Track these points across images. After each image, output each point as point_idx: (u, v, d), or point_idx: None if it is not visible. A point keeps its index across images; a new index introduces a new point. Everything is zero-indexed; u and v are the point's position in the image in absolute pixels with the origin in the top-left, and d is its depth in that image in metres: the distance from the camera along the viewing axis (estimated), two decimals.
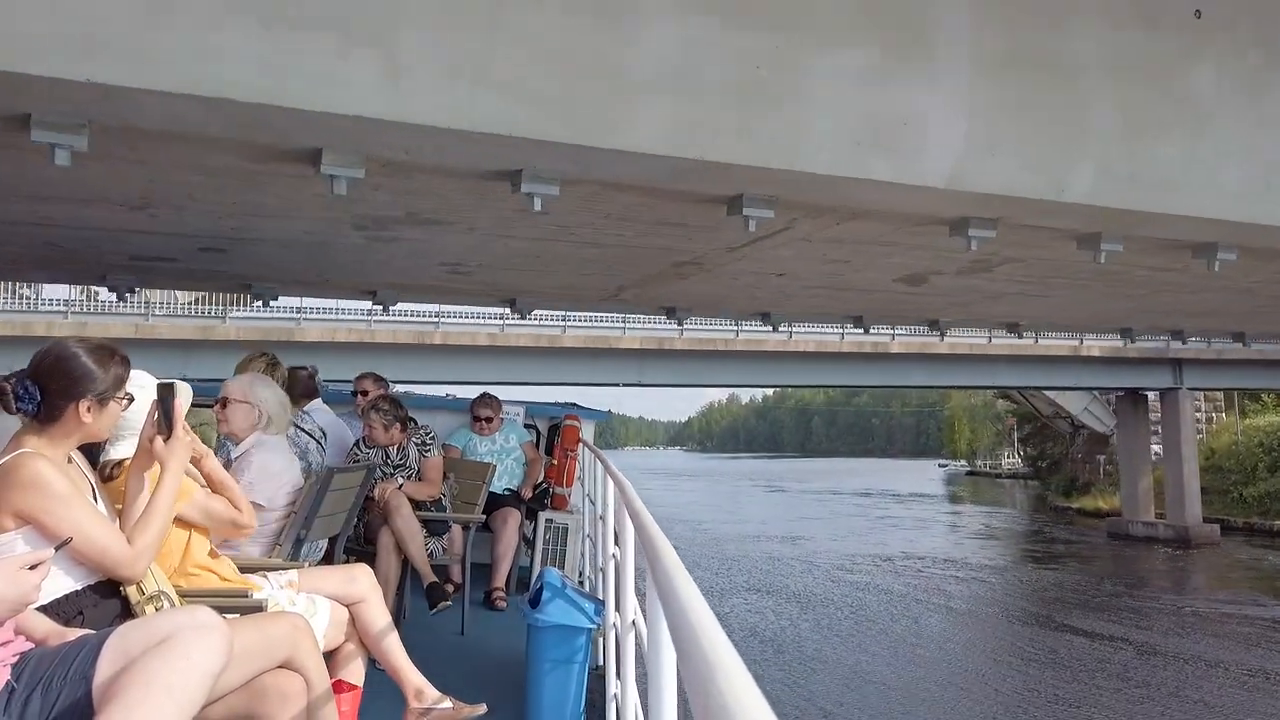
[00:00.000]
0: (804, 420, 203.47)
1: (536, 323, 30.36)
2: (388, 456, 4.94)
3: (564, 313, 30.36)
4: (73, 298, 26.54)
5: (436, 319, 28.07)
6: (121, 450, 2.61)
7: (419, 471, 4.99)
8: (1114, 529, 34.37)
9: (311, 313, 28.61)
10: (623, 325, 30.19)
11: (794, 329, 30.75)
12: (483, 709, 2.97)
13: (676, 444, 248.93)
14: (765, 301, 9.33)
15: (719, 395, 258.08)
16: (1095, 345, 32.17)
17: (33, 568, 1.77)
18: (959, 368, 31.89)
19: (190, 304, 29.94)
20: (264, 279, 8.34)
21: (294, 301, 32.71)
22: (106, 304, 28.27)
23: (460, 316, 29.12)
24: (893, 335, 31.12)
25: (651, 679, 1.38)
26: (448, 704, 2.89)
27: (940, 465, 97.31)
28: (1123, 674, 14.47)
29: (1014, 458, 80.00)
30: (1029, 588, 23.68)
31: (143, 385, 2.54)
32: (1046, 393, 39.36)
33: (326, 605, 2.79)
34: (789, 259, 6.46)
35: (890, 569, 25.71)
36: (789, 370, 31.65)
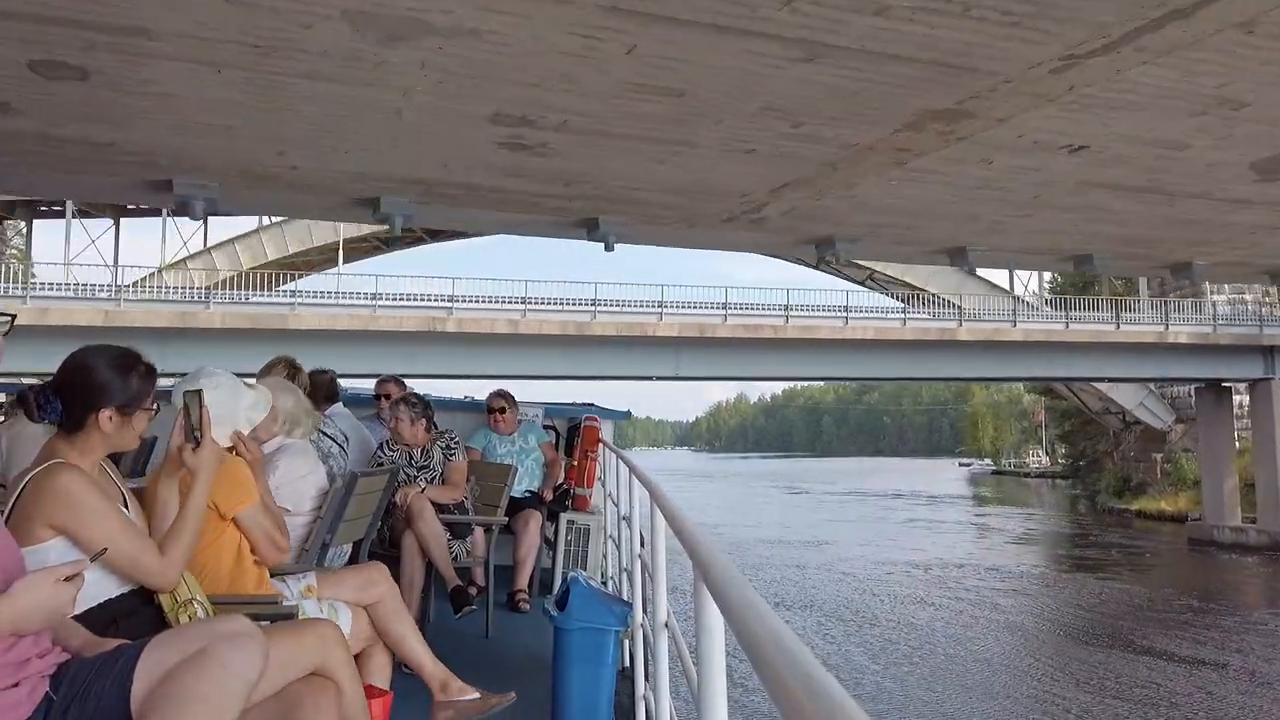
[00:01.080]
0: (814, 419, 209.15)
1: (560, 308, 29.50)
2: (412, 458, 5.28)
3: (594, 296, 29.72)
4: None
5: (450, 303, 27.83)
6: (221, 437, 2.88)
7: (443, 475, 5.32)
8: (1196, 534, 33.66)
9: (307, 296, 28.37)
10: (659, 310, 29.61)
11: (850, 314, 30.33)
12: (512, 697, 3.19)
13: (684, 444, 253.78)
14: (979, 225, 6.96)
15: (727, 395, 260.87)
16: (1183, 330, 31.27)
17: (69, 579, 1.85)
18: (1032, 356, 30.96)
19: (169, 288, 29.48)
20: (180, 162, 5.87)
21: (287, 285, 32.24)
22: (77, 287, 27.29)
23: (476, 300, 28.83)
24: (959, 321, 30.61)
25: (704, 684, 1.48)
26: (474, 694, 3.10)
27: (961, 464, 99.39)
28: (1220, 708, 13.62)
29: (1041, 456, 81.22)
30: (1091, 601, 22.91)
31: (220, 382, 2.90)
32: (1098, 385, 38.68)
33: (347, 611, 3.02)
34: (1137, 100, 4.36)
35: (932, 579, 25.22)
36: (844, 359, 30.80)
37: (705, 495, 54.27)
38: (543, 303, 30.07)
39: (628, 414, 7.73)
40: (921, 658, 16.94)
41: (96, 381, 2.27)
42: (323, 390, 4.95)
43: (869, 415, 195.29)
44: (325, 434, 4.50)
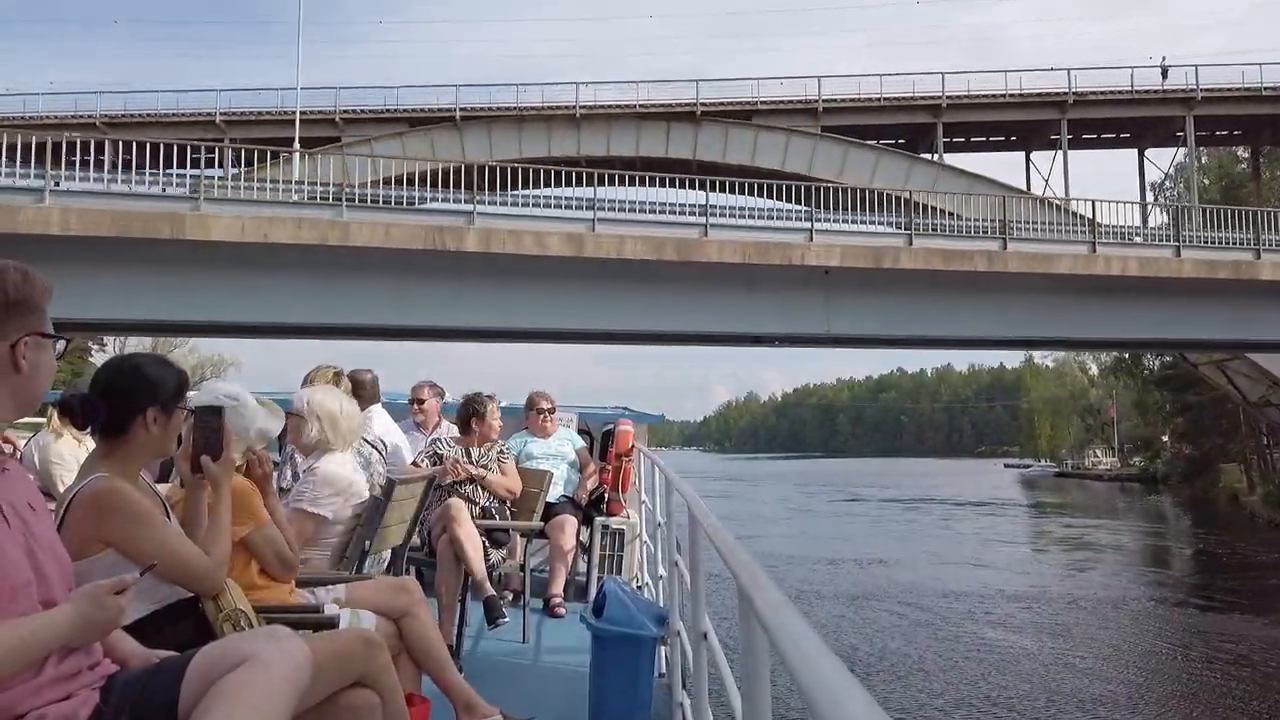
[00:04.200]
0: (828, 418, 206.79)
1: (646, 215, 21.77)
2: (470, 456, 5.34)
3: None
4: None
5: (471, 206, 20.01)
6: None
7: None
8: None
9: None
10: (806, 225, 20.72)
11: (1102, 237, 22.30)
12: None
13: (692, 444, 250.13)
14: None
15: (736, 393, 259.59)
16: None
17: (119, 593, 1.87)
18: None
19: None
20: None
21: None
22: None
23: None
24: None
25: (749, 707, 1.43)
26: (498, 717, 3.09)
27: (1008, 465, 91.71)
28: None
29: (1102, 457, 75.64)
30: None
31: (235, 398, 2.95)
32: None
33: (372, 619, 3.01)
34: None
35: (1053, 619, 18.19)
36: (1099, 308, 21.64)
37: (728, 500, 46.81)
38: (613, 207, 21.20)
39: (661, 418, 7.67)
40: None
41: (142, 379, 2.30)
42: (365, 391, 4.90)
43: (885, 414, 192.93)
44: (365, 439, 4.45)
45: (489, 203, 20.75)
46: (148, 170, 20.88)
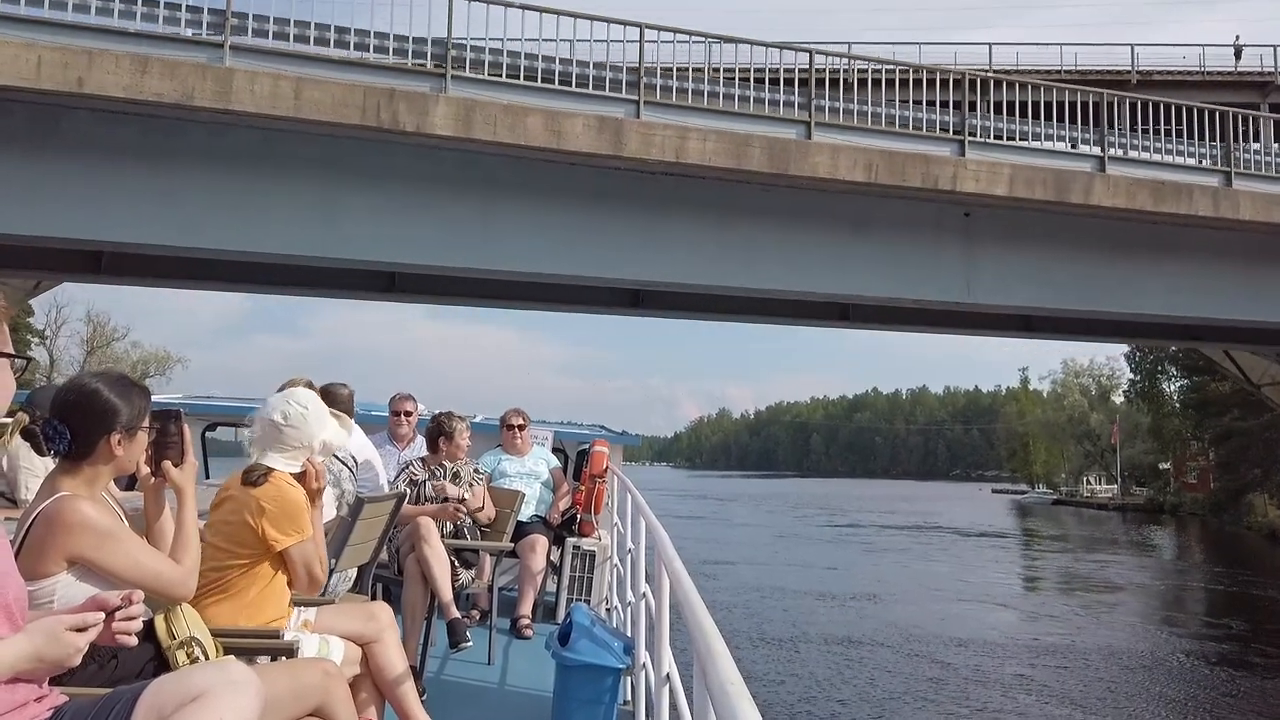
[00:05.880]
0: (801, 437, 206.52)
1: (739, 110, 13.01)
2: (442, 475, 5.29)
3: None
4: None
5: (443, 68, 11.95)
6: (277, 462, 2.99)
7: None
8: None
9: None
10: (957, 135, 13.76)
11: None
12: None
13: (663, 459, 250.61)
14: None
15: (706, 409, 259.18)
16: None
17: (81, 630, 1.81)
18: None
19: None
20: None
21: None
22: None
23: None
24: None
25: None
26: None
27: (996, 491, 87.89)
28: None
29: (1096, 483, 71.42)
30: None
31: (305, 405, 3.03)
32: None
33: (340, 645, 2.98)
34: None
35: (1107, 681, 14.58)
36: None
37: (703, 523, 43.50)
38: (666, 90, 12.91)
39: (638, 439, 7.64)
40: None
41: (105, 405, 2.27)
42: (342, 407, 4.82)
43: (860, 434, 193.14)
44: (336, 456, 4.37)
45: (470, 64, 12.11)
46: None
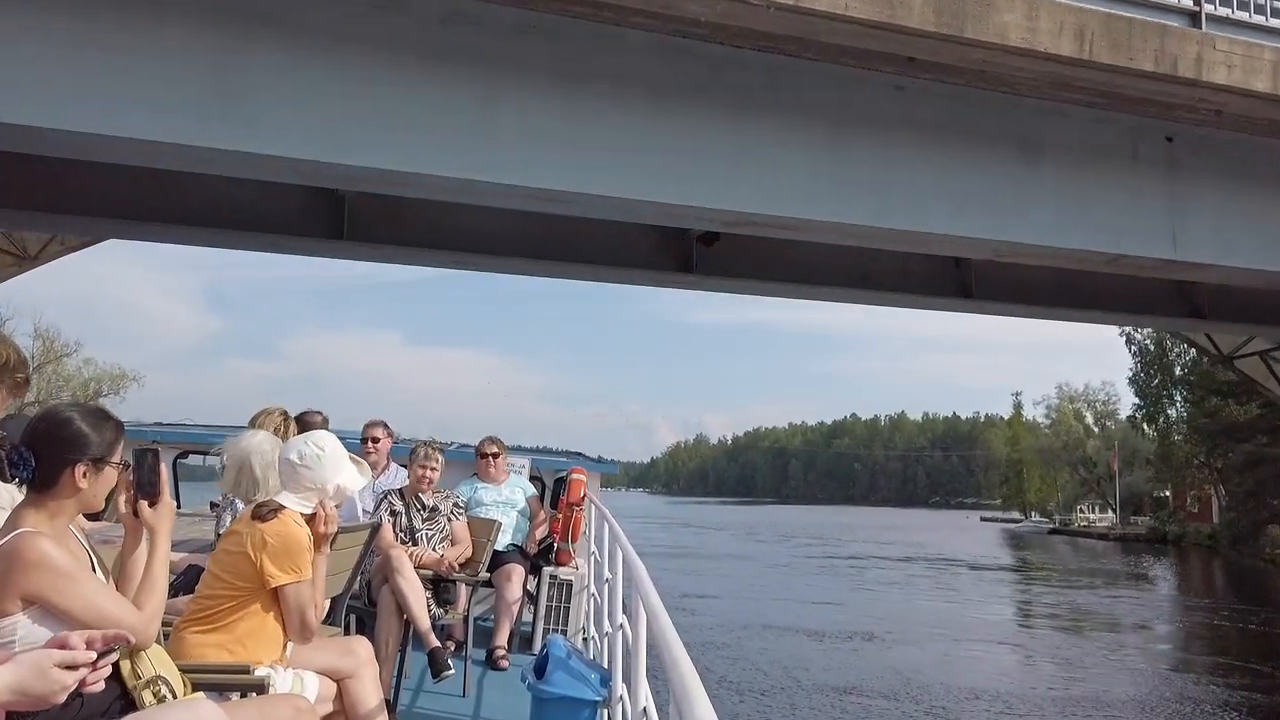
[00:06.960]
0: (780, 463, 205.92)
1: None
2: (421, 505, 5.27)
3: None
4: None
5: None
6: (290, 500, 2.97)
7: (451, 534, 5.35)
8: None
9: None
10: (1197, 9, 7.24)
11: None
12: None
13: (639, 485, 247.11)
14: None
15: (682, 435, 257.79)
16: None
17: (70, 667, 1.77)
18: None
19: None
20: None
21: None
22: None
23: None
24: None
25: None
26: None
27: (985, 519, 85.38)
28: None
29: (1088, 513, 69.33)
30: None
31: (322, 448, 3.01)
32: None
33: (314, 681, 2.94)
34: None
35: None
36: None
37: (687, 555, 41.06)
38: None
39: (615, 465, 7.61)
40: None
41: (73, 433, 2.23)
42: None
43: (839, 460, 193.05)
44: None
45: None
46: None
